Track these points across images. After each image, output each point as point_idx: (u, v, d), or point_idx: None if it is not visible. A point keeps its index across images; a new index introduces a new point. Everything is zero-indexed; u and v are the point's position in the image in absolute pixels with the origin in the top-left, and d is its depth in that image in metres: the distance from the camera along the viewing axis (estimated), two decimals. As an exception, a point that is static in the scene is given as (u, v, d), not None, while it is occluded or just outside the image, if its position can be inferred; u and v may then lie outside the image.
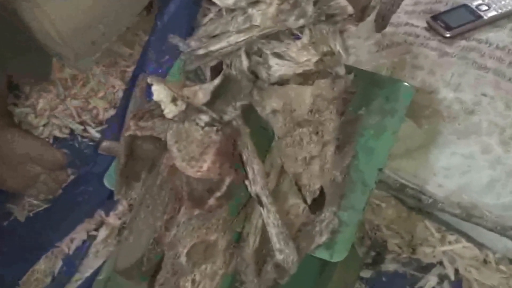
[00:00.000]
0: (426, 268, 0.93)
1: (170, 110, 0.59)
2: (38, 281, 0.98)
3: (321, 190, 0.61)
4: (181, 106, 0.59)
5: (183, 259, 0.58)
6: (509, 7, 0.94)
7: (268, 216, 0.58)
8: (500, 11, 0.94)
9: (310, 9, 0.61)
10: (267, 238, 0.59)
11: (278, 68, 0.63)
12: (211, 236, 0.59)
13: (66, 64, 1.17)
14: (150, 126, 0.62)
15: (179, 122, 0.59)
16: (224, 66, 0.64)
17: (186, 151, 0.58)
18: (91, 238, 1.02)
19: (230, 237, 0.60)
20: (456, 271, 0.92)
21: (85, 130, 1.15)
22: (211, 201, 0.58)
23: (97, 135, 1.14)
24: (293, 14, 0.61)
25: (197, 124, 0.59)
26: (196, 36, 0.66)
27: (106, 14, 1.09)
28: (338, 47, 0.63)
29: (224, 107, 0.60)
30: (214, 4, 0.67)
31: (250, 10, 0.62)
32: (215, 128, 0.58)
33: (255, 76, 0.64)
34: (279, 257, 0.58)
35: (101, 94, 1.19)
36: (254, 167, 0.58)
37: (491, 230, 0.87)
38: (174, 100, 0.59)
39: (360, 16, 0.67)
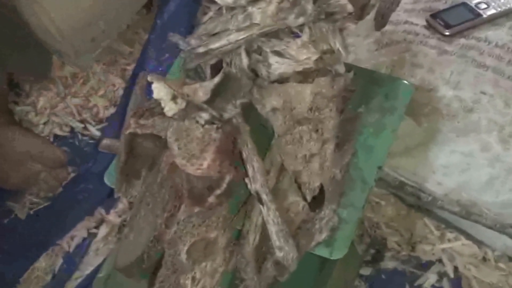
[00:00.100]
0: (426, 266, 0.93)
1: (170, 108, 0.59)
2: (38, 279, 0.98)
3: (321, 187, 0.61)
4: (181, 104, 0.59)
5: (183, 256, 0.58)
6: (508, 5, 0.94)
7: (268, 214, 0.58)
8: (499, 9, 0.94)
9: (309, 7, 0.61)
10: (267, 236, 0.59)
11: (278, 66, 0.63)
12: (211, 234, 0.59)
13: (66, 61, 1.17)
14: (150, 124, 0.61)
15: (179, 120, 0.59)
16: (224, 64, 0.64)
17: (186, 149, 0.58)
18: (92, 235, 1.02)
19: (230, 234, 0.60)
20: (455, 268, 0.92)
21: (85, 128, 1.15)
22: (211, 199, 0.58)
23: (97, 133, 1.14)
24: (293, 12, 0.61)
25: (197, 122, 0.59)
26: (196, 34, 0.66)
27: (106, 11, 1.09)
28: (337, 45, 0.63)
29: (224, 105, 0.60)
30: (214, 2, 0.67)
31: (250, 8, 0.62)
32: (215, 126, 0.59)
33: (255, 74, 0.64)
34: (279, 254, 0.58)
35: (101, 92, 1.19)
36: (254, 165, 0.58)
37: (490, 227, 0.87)
38: (174, 98, 0.59)
39: (359, 14, 0.67)
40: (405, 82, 0.73)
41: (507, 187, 0.85)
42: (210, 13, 0.65)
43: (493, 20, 0.94)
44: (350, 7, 0.62)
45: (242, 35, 0.62)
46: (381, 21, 0.71)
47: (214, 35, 0.64)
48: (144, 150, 0.64)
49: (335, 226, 0.61)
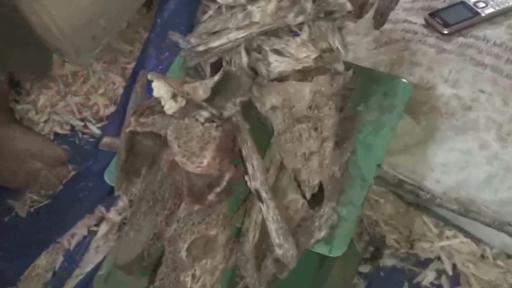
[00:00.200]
0: (424, 263, 0.93)
1: (170, 106, 0.60)
2: (39, 276, 0.98)
3: (320, 185, 0.61)
4: (181, 102, 0.59)
5: (183, 254, 0.58)
6: (506, 4, 0.94)
7: (267, 212, 0.58)
8: (497, 8, 0.94)
9: (309, 6, 0.61)
10: (266, 233, 0.59)
11: (277, 64, 0.63)
12: (211, 231, 0.59)
13: (67, 59, 1.17)
14: (150, 122, 0.62)
15: (179, 118, 0.59)
16: (224, 63, 0.64)
17: (186, 147, 0.58)
18: (92, 233, 1.02)
19: (230, 232, 0.60)
20: (454, 266, 0.92)
21: (85, 126, 1.15)
22: (211, 197, 0.58)
23: (98, 132, 1.14)
24: (292, 11, 0.61)
25: (197, 120, 0.59)
26: (196, 33, 0.66)
27: (107, 8, 1.09)
28: (337, 44, 0.63)
29: (224, 103, 0.60)
30: (214, 1, 0.67)
31: (249, 7, 0.62)
32: (215, 124, 0.59)
33: (254, 72, 0.64)
34: (278, 252, 0.58)
35: (101, 91, 1.19)
36: (253, 163, 0.58)
37: (488, 225, 0.87)
38: (174, 96, 0.60)
39: (358, 13, 0.67)
40: (404, 80, 0.73)
41: (506, 185, 0.84)
42: (210, 12, 0.65)
43: (491, 18, 0.93)
44: (349, 6, 0.62)
45: (241, 34, 0.62)
46: (380, 19, 0.71)
47: (214, 33, 0.64)
48: (144, 148, 0.64)
49: (335, 223, 0.61)
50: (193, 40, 0.66)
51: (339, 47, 0.63)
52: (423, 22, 0.95)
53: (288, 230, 0.59)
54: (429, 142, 0.87)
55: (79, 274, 0.98)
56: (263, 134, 0.65)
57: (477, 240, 0.93)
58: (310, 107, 0.62)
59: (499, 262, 0.91)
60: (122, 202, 1.04)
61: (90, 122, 1.16)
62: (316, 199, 0.61)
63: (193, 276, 0.59)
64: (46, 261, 1.00)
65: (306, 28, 0.62)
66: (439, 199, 0.88)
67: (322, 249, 0.62)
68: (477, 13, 0.93)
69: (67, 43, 1.08)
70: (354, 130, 0.66)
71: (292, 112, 0.62)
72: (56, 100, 1.18)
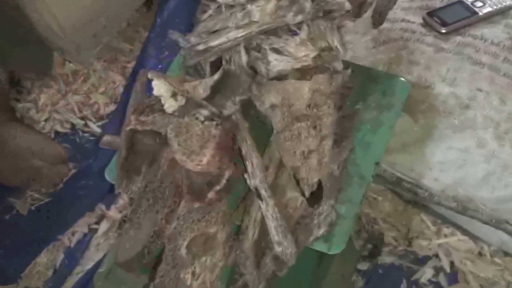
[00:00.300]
0: (422, 261, 0.93)
1: (170, 105, 0.60)
2: (40, 274, 0.99)
3: (319, 183, 0.62)
4: (181, 101, 0.59)
5: (183, 251, 0.58)
6: (504, 4, 0.94)
7: (267, 209, 0.59)
8: (495, 7, 0.94)
9: (308, 5, 0.61)
10: (266, 231, 0.60)
11: (276, 63, 0.63)
12: (211, 229, 0.59)
13: (68, 58, 1.17)
14: (150, 120, 0.62)
15: (179, 116, 0.60)
16: (223, 62, 0.64)
17: (186, 145, 0.58)
18: (92, 231, 1.02)
19: (229, 229, 0.61)
20: (452, 263, 0.92)
21: (86, 125, 1.16)
22: (211, 195, 0.58)
23: (98, 130, 1.14)
24: (292, 10, 0.62)
25: (197, 118, 0.59)
26: (195, 32, 0.66)
27: (107, 7, 1.09)
28: (335, 43, 0.63)
29: (223, 102, 0.60)
30: (213, 0, 0.67)
31: (249, 6, 0.62)
32: (214, 123, 0.59)
33: (254, 71, 0.64)
34: (277, 249, 0.59)
35: (101, 90, 1.19)
36: (253, 161, 0.59)
37: (486, 223, 0.87)
38: (174, 95, 0.60)
39: (357, 12, 0.67)
40: (402, 79, 0.74)
41: (503, 183, 0.85)
42: (210, 11, 0.65)
43: (489, 18, 0.94)
44: (348, 5, 0.63)
45: (241, 33, 0.63)
46: (378, 19, 0.71)
47: (214, 32, 0.65)
48: (144, 146, 0.64)
49: (333, 221, 0.61)
50: (193, 39, 0.66)
51: (338, 46, 0.63)
52: (421, 21, 0.95)
53: (287, 227, 0.59)
54: (427, 140, 0.87)
55: (79, 272, 0.98)
56: (263, 133, 0.65)
57: (475, 238, 0.93)
58: (309, 106, 0.62)
59: (497, 260, 0.91)
60: (122, 200, 1.04)
61: (91, 120, 1.16)
62: (315, 197, 0.62)
63: (193, 273, 0.59)
64: (47, 259, 1.00)
65: (305, 27, 0.63)
66: (437, 197, 0.89)
67: (321, 247, 0.62)
68: (475, 12, 0.93)
69: (69, 41, 1.08)
70: (353, 128, 0.66)
71: (291, 111, 0.63)
72: (57, 98, 1.18)
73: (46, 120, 1.16)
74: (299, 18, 0.62)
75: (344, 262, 0.87)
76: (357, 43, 0.97)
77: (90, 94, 1.19)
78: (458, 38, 0.92)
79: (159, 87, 0.60)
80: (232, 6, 0.64)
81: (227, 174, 0.58)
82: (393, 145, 0.88)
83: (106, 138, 1.09)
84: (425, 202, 0.94)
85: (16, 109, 1.16)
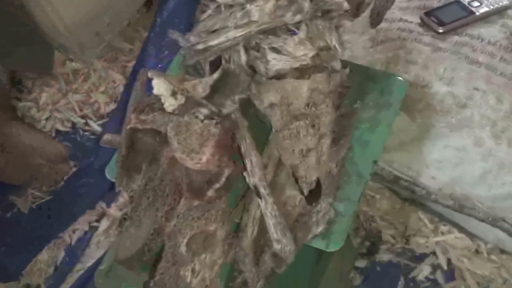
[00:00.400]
0: (420, 258, 0.93)
1: (170, 104, 0.60)
2: (41, 271, 0.99)
3: (318, 181, 0.62)
4: (181, 99, 0.59)
5: (183, 249, 0.58)
6: (500, 3, 0.95)
7: (266, 207, 0.59)
8: (491, 7, 0.94)
9: (306, 5, 0.62)
10: (265, 229, 0.60)
11: (275, 62, 0.64)
12: (210, 227, 0.59)
13: (72, 56, 1.17)
14: (150, 119, 0.62)
15: (179, 115, 0.60)
16: (223, 61, 0.65)
17: (186, 144, 0.58)
18: (93, 229, 1.02)
19: (228, 227, 0.61)
20: (449, 261, 0.92)
21: (86, 123, 1.16)
22: (210, 193, 0.59)
23: (98, 129, 1.14)
24: (290, 10, 0.62)
25: (196, 117, 0.59)
26: (195, 32, 0.66)
27: (111, 5, 1.10)
28: (334, 42, 0.64)
29: (223, 101, 0.61)
30: (213, 0, 0.67)
31: (248, 6, 0.63)
32: (214, 121, 0.59)
33: (253, 70, 0.65)
34: (276, 247, 0.59)
35: (102, 89, 1.19)
36: (252, 159, 0.59)
37: (482, 221, 0.88)
38: (174, 94, 0.60)
39: (355, 12, 0.67)
40: (400, 78, 0.74)
41: (499, 181, 0.85)
42: (209, 11, 0.65)
43: (485, 17, 0.94)
44: (346, 5, 0.63)
45: (240, 32, 0.63)
46: (376, 18, 0.71)
47: (213, 32, 0.65)
48: (144, 144, 0.64)
49: (332, 219, 0.62)
50: (192, 38, 0.66)
51: (336, 46, 0.64)
52: (418, 21, 0.96)
53: (286, 225, 0.59)
54: (425, 139, 0.88)
55: (80, 269, 0.98)
56: (262, 131, 0.65)
57: (472, 235, 0.93)
58: (307, 105, 0.63)
59: (493, 257, 0.92)
60: (122, 198, 1.04)
61: (91, 119, 1.16)
62: (314, 195, 0.62)
63: (193, 270, 0.59)
64: (48, 256, 1.00)
65: (303, 26, 0.63)
66: (434, 195, 0.89)
67: (319, 244, 0.62)
68: (472, 12, 0.94)
69: (72, 39, 1.09)
70: (351, 127, 0.67)
71: (290, 110, 0.63)
72: (58, 97, 1.18)
73: (47, 119, 1.16)
74: (298, 17, 0.62)
75: (342, 259, 0.88)
76: (355, 43, 0.97)
77: (90, 93, 1.19)
78: (455, 38, 0.93)
79: (159, 86, 0.60)
80: (231, 6, 0.64)
81: (226, 172, 0.58)
82: (391, 143, 0.88)
83: (107, 136, 1.09)
84: (422, 200, 0.94)
85: (17, 108, 1.17)
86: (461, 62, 0.89)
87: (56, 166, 1.07)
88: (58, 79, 1.20)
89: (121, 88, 1.18)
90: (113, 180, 0.67)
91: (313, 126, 0.63)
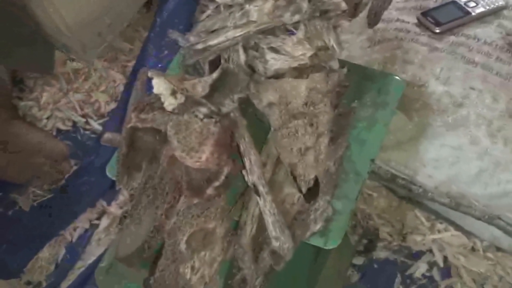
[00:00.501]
0: (416, 256, 0.94)
1: (169, 103, 0.60)
2: (42, 268, 1.00)
3: (316, 180, 0.62)
4: (181, 99, 0.59)
5: (182, 246, 0.59)
6: (496, 4, 0.95)
7: (264, 205, 0.59)
8: (487, 7, 0.94)
9: (305, 5, 0.62)
10: (263, 226, 0.60)
11: (274, 62, 0.64)
12: (210, 224, 0.59)
13: (74, 56, 1.18)
14: (150, 118, 0.62)
15: (179, 114, 0.60)
16: (222, 60, 0.65)
17: (186, 142, 0.58)
18: (94, 226, 1.03)
19: (228, 225, 0.61)
20: (445, 258, 0.93)
21: (87, 122, 1.16)
22: (210, 191, 0.59)
23: (99, 128, 1.15)
24: (289, 10, 0.62)
25: (196, 116, 0.59)
26: (195, 32, 0.67)
27: (112, 6, 1.10)
28: (332, 42, 0.64)
29: (222, 100, 0.61)
30: (212, 0, 0.67)
31: (247, 6, 0.63)
32: (213, 120, 0.59)
33: (252, 70, 0.65)
34: (275, 244, 0.59)
35: (102, 88, 1.20)
36: (251, 158, 0.59)
37: (478, 219, 0.88)
38: (173, 93, 0.60)
39: (353, 12, 0.68)
40: (397, 78, 0.74)
41: (495, 180, 0.85)
42: (208, 11, 0.65)
43: (482, 18, 0.94)
44: (344, 5, 0.63)
45: (239, 32, 0.63)
46: (373, 19, 0.71)
47: (213, 32, 0.65)
48: (144, 143, 0.64)
49: (330, 217, 0.62)
50: (192, 38, 0.66)
51: (334, 46, 0.64)
52: (415, 21, 0.96)
53: (285, 223, 0.59)
54: (421, 138, 0.88)
55: (81, 266, 0.99)
56: (260, 130, 0.66)
57: (468, 233, 0.94)
58: (305, 104, 0.63)
59: (489, 255, 0.92)
60: (123, 196, 1.04)
61: (92, 118, 1.17)
62: (312, 193, 0.62)
63: (192, 267, 0.59)
64: (49, 254, 1.01)
65: (302, 26, 0.63)
66: (431, 193, 0.89)
67: (317, 242, 0.62)
68: (468, 13, 0.94)
69: (75, 39, 1.09)
70: (349, 126, 0.67)
71: (288, 109, 0.63)
72: (59, 97, 1.19)
73: (48, 118, 1.17)
74: (296, 18, 0.63)
75: (340, 257, 0.88)
76: (353, 43, 0.97)
77: (91, 92, 1.19)
78: (452, 38, 0.93)
79: (159, 86, 0.59)
80: (230, 6, 0.65)
81: (225, 170, 0.59)
82: (388, 142, 0.88)
83: (107, 135, 1.08)
84: (419, 198, 0.94)
85: (19, 107, 1.17)
86: (458, 62, 0.90)
87: (57, 164, 1.07)
88: (59, 78, 1.21)
89: (121, 88, 1.19)
90: (114, 178, 0.67)
91: (311, 125, 0.63)
